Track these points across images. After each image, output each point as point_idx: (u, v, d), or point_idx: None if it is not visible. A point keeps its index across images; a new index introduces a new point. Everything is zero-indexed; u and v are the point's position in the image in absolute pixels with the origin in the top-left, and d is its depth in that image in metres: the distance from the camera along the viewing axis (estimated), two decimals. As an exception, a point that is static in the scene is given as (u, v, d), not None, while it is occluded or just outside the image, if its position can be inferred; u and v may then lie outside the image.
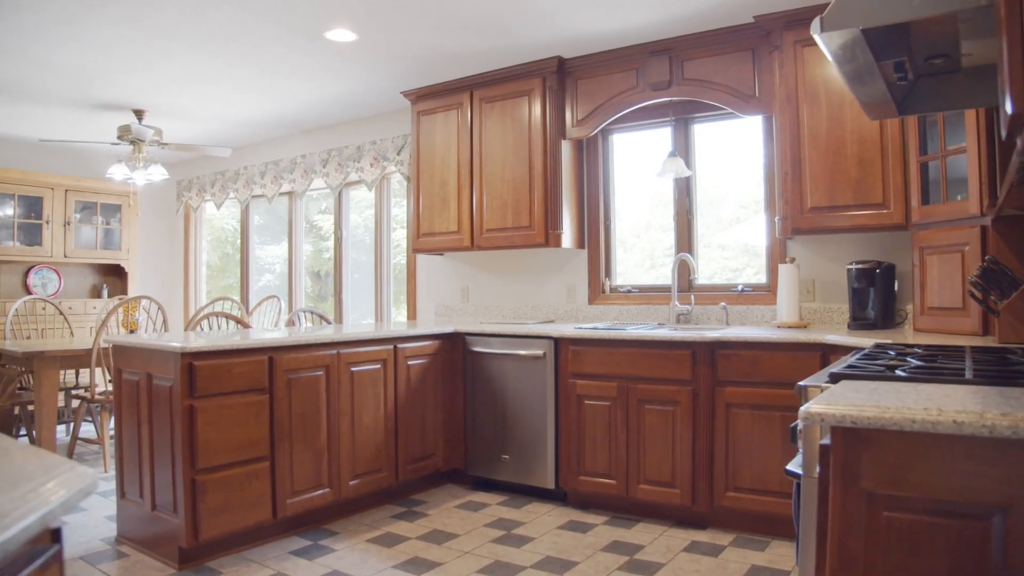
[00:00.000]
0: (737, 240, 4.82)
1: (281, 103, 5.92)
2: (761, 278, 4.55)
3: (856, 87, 2.36)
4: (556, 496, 4.30)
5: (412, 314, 6.00)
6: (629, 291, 4.98)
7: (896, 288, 3.82)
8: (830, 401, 1.39)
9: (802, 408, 1.39)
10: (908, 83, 2.46)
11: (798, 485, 1.97)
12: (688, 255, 4.50)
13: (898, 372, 1.73)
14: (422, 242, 5.38)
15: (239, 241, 7.83)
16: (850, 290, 3.82)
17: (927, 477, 1.32)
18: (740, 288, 4.52)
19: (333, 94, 5.66)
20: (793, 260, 4.03)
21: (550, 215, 4.74)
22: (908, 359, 2.01)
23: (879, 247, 3.99)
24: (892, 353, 2.19)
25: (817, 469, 1.53)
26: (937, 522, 1.31)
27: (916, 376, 1.67)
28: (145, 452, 3.47)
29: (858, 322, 3.78)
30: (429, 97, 5.36)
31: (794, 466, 1.90)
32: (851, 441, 1.37)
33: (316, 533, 3.76)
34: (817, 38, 1.94)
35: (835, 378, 1.71)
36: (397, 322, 5.75)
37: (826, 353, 3.41)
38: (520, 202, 4.85)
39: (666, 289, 4.75)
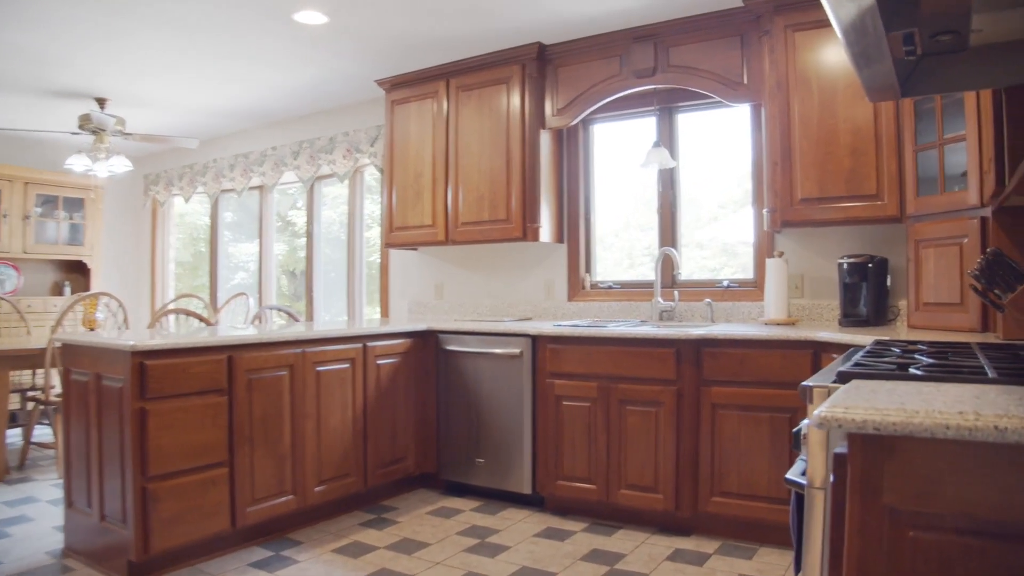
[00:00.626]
0: (714, 239, 4.65)
1: (250, 92, 5.69)
2: (744, 276, 4.38)
3: (861, 66, 2.18)
4: (533, 501, 4.10)
5: (385, 312, 5.78)
6: (610, 287, 4.80)
7: (889, 283, 3.67)
8: (847, 404, 1.20)
9: (815, 411, 1.21)
10: (914, 60, 2.29)
11: (798, 495, 1.79)
12: (672, 249, 4.32)
13: (912, 371, 1.55)
14: (395, 236, 5.16)
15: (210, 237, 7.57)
16: (841, 285, 3.65)
17: (961, 491, 1.13)
18: (726, 284, 4.35)
19: (304, 82, 5.43)
20: (781, 254, 3.86)
21: (528, 208, 4.55)
22: (917, 356, 1.84)
23: (871, 241, 3.84)
24: (897, 351, 2.01)
25: (830, 479, 1.35)
26: (972, 543, 1.13)
27: (934, 375, 1.49)
28: (94, 458, 3.23)
29: (849, 319, 3.62)
30: (404, 86, 5.14)
31: (795, 475, 1.71)
32: (872, 450, 1.19)
33: (279, 543, 3.54)
34: (827, 7, 1.76)
35: (844, 377, 1.53)
36: (368, 320, 5.54)
37: (818, 351, 3.24)
38: (497, 194, 4.65)
39: (649, 285, 4.57)
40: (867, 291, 3.57)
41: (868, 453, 1.19)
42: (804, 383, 1.54)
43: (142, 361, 3.02)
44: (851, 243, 3.89)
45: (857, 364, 1.65)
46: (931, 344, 2.18)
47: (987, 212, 2.99)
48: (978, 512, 1.12)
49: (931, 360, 1.74)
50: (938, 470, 1.15)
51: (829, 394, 1.50)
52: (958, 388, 1.37)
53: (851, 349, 2.45)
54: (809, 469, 1.54)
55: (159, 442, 3.05)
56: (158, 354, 3.08)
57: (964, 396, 1.27)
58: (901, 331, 3.30)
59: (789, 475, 1.69)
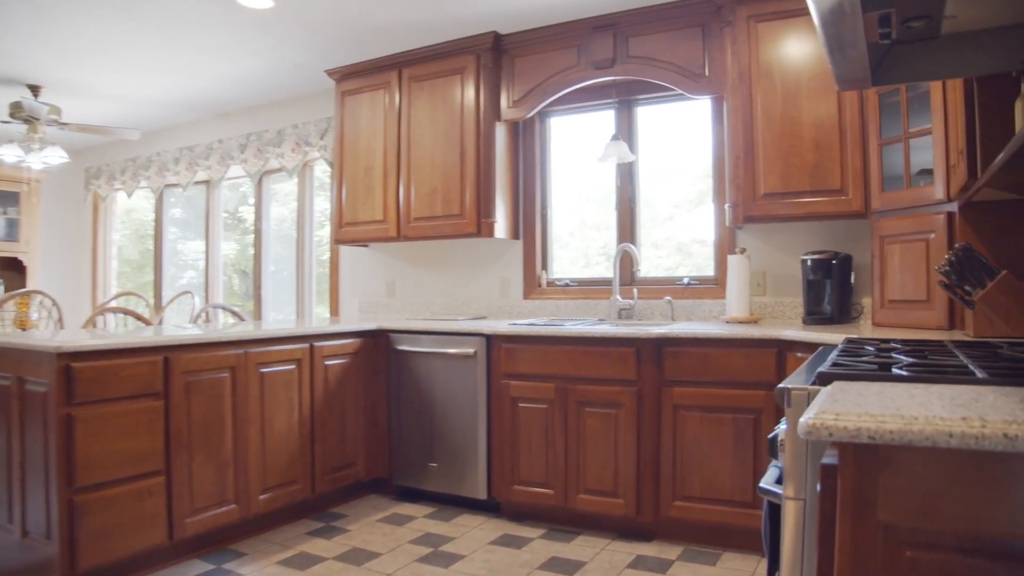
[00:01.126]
0: (670, 239, 4.55)
1: (194, 81, 5.44)
2: (704, 273, 4.29)
3: (835, 50, 2.08)
4: (488, 507, 3.95)
5: (335, 311, 5.58)
6: (567, 285, 4.67)
7: (853, 280, 3.60)
8: (836, 410, 1.08)
9: (802, 419, 1.08)
10: (886, 46, 2.20)
11: (772, 505, 1.67)
12: (631, 245, 4.21)
13: (896, 371, 1.44)
14: (345, 232, 4.97)
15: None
16: (804, 282, 3.57)
17: (964, 506, 1.02)
18: (686, 281, 4.25)
19: (251, 71, 5.21)
20: (744, 251, 3.77)
21: (482, 203, 4.40)
22: (895, 355, 1.73)
23: (834, 237, 3.76)
24: (872, 349, 1.91)
25: (817, 490, 1.23)
26: (976, 564, 1.02)
27: (920, 376, 1.38)
28: (15, 469, 3.00)
29: (813, 317, 3.54)
30: (354, 76, 4.95)
31: (769, 483, 1.60)
32: (866, 460, 1.07)
33: (221, 555, 3.34)
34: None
35: (825, 378, 1.41)
36: (318, 318, 5.33)
37: (783, 350, 3.15)
38: (451, 189, 4.49)
39: (606, 283, 4.45)
40: (831, 288, 3.49)
41: (861, 464, 1.07)
42: (782, 385, 1.42)
43: (69, 364, 2.80)
44: (814, 239, 3.82)
45: (836, 364, 1.53)
46: (905, 342, 2.08)
47: (954, 207, 2.92)
48: (983, 529, 1.01)
49: (911, 359, 1.63)
50: (939, 483, 1.03)
51: (809, 397, 1.39)
52: (950, 390, 1.26)
53: (821, 348, 2.35)
54: (786, 478, 1.42)
55: (87, 451, 2.83)
56: (87, 356, 2.86)
57: (960, 399, 1.16)
58: (866, 329, 3.22)
59: (763, 484, 1.56)
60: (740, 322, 3.72)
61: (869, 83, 2.37)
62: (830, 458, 1.13)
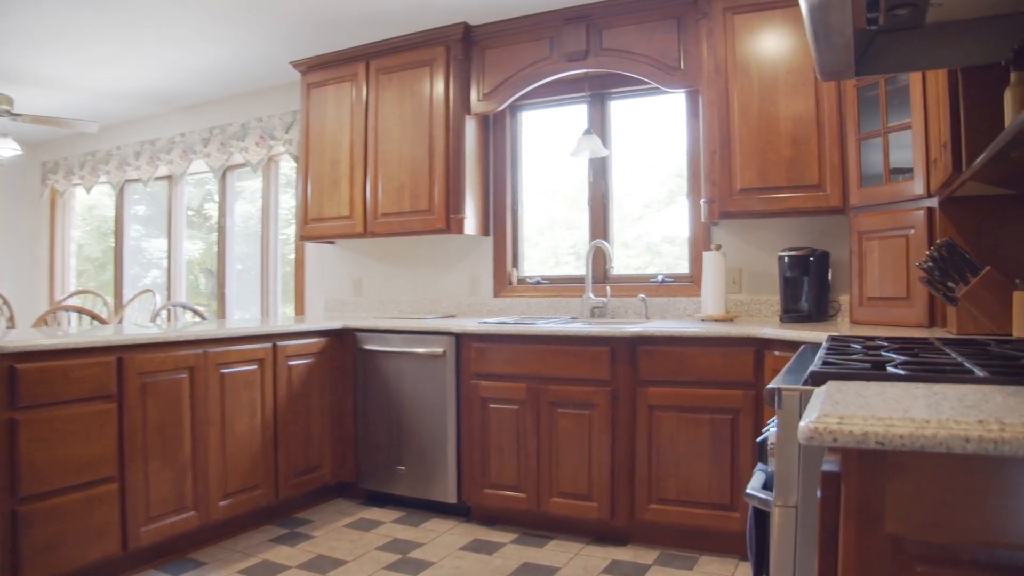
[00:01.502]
0: (640, 238, 4.47)
1: (155, 72, 5.26)
2: (676, 271, 4.21)
3: (820, 37, 2.00)
4: (459, 511, 3.84)
5: (300, 309, 5.43)
6: (538, 282, 4.57)
7: (830, 278, 3.53)
8: (840, 413, 0.98)
9: (803, 423, 0.99)
10: (872, 33, 2.13)
11: (758, 511, 1.58)
12: (604, 242, 4.12)
13: (892, 370, 1.36)
14: (310, 228, 4.83)
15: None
16: (782, 280, 3.50)
17: (980, 518, 0.93)
18: (660, 279, 4.17)
19: (214, 62, 5.04)
20: (719, 247, 3.70)
21: (452, 198, 4.28)
22: (884, 354, 1.65)
23: (810, 234, 3.70)
24: (859, 347, 1.83)
25: (808, 496, 1.14)
26: (994, 581, 0.93)
27: (918, 375, 1.30)
28: (-43, 475, 2.84)
29: (790, 314, 3.47)
30: (321, 68, 4.81)
31: (757, 489, 1.51)
32: (872, 467, 0.98)
33: (179, 565, 3.19)
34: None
35: (818, 378, 1.32)
36: (284, 317, 5.18)
37: (761, 348, 3.08)
38: (419, 184, 4.37)
39: (579, 280, 4.36)
40: (809, 285, 3.43)
41: (867, 472, 0.98)
42: (772, 384, 1.33)
43: (12, 365, 2.64)
44: (791, 236, 3.76)
45: (828, 363, 1.45)
46: (892, 340, 2.01)
47: (934, 202, 2.87)
48: (1000, 542, 0.93)
49: (904, 357, 1.55)
50: (952, 491, 0.94)
51: (802, 397, 1.30)
52: (953, 390, 1.18)
53: (803, 347, 2.27)
54: (776, 484, 1.33)
55: (33, 457, 2.67)
56: (33, 356, 2.70)
57: (968, 400, 1.07)
58: (844, 327, 3.15)
59: (750, 490, 1.48)
60: (716, 320, 3.64)
61: (852, 73, 2.30)
62: (831, 464, 1.04)
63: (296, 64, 4.91)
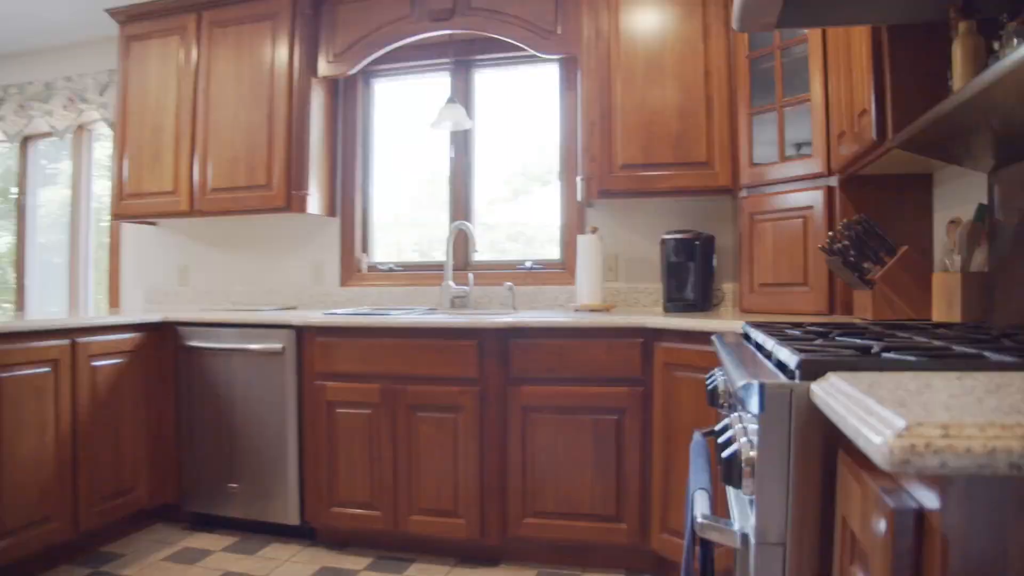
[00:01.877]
0: (504, 222, 4.09)
1: (-71, 17, 4.39)
2: (547, 257, 3.86)
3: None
4: (302, 533, 3.30)
5: (115, 301, 4.68)
6: (391, 270, 4.10)
7: (715, 264, 3.26)
8: (940, 419, 0.59)
9: (881, 439, 0.58)
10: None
11: (694, 535, 1.20)
12: (467, 223, 3.70)
13: (897, 356, 1.00)
14: (127, 206, 4.12)
15: None
16: (665, 266, 3.20)
17: None
18: (528, 265, 3.80)
19: (9, 4, 4.24)
20: (595, 230, 3.36)
21: (293, 172, 3.73)
22: (845, 339, 1.31)
23: (693, 218, 3.43)
24: (798, 333, 1.48)
25: (811, 530, 0.75)
26: None
27: (923, 362, 0.95)
28: None
29: (675, 303, 3.17)
30: (143, 18, 4.12)
31: (716, 519, 1.12)
32: (988, 504, 0.59)
33: (-69, 620, 2.50)
34: None
35: (811, 368, 0.94)
36: (96, 310, 4.43)
37: (650, 340, 2.74)
38: (256, 156, 3.79)
39: (438, 267, 3.91)
40: (694, 272, 3.14)
41: (979, 511, 0.59)
42: (749, 381, 0.94)
43: None
44: (671, 220, 3.47)
45: (807, 351, 1.07)
46: (837, 326, 1.67)
47: (834, 181, 2.63)
48: None
49: (885, 342, 1.20)
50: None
51: (793, 394, 0.91)
52: (997, 378, 0.82)
53: (716, 335, 1.93)
54: (759, 514, 0.94)
55: None
56: None
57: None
58: (732, 316, 2.87)
59: (702, 518, 1.08)
60: (592, 310, 3.30)
61: (774, 24, 1.99)
62: (909, 501, 0.65)
63: (113, 12, 4.18)
